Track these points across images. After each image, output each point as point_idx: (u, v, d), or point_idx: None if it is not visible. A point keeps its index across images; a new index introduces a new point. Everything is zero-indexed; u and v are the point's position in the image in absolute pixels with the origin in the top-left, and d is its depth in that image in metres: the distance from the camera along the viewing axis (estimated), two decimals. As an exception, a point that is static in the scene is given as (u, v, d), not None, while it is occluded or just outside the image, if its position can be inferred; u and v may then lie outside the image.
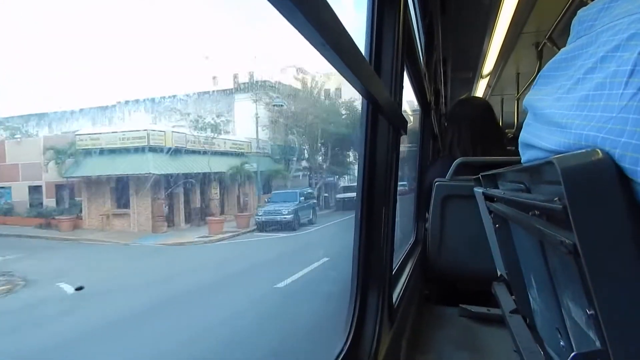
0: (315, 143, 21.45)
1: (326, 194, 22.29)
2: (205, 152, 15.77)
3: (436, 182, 2.17)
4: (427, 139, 2.97)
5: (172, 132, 14.77)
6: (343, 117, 21.78)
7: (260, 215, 16.09)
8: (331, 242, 13.37)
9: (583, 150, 0.47)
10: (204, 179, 15.94)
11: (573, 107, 0.55)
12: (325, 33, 0.47)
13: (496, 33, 3.11)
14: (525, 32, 3.19)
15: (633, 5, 0.50)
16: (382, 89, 0.93)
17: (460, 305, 1.98)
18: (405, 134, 1.34)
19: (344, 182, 23.43)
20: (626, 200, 0.43)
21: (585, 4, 0.63)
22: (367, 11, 1.15)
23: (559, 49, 0.68)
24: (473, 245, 1.68)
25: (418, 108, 2.82)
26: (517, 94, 4.58)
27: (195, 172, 15.27)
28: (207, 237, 14.13)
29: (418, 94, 2.47)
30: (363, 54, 0.88)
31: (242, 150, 17.99)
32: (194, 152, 15.40)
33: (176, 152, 14.63)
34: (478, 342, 1.73)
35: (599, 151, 0.45)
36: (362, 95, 0.91)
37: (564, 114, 0.57)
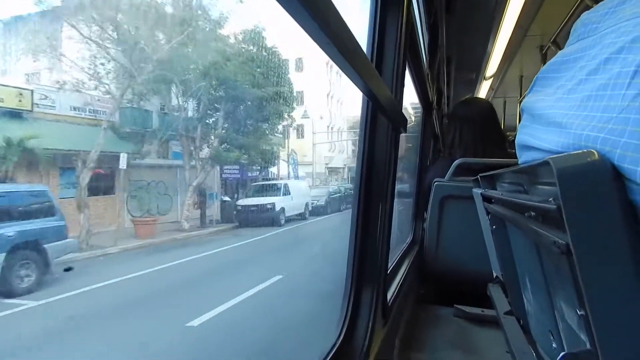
0: (207, 109, 12.37)
1: (227, 198, 14.10)
2: None
3: (435, 182, 2.17)
4: (427, 138, 2.97)
5: None
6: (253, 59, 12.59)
7: None
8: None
9: (579, 151, 0.47)
10: None
11: (574, 107, 0.54)
12: (331, 33, 0.49)
13: (501, 34, 3.10)
14: (530, 35, 3.17)
15: (639, 8, 0.50)
16: (383, 87, 0.93)
17: (455, 305, 1.99)
18: (405, 132, 1.34)
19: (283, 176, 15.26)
20: (620, 201, 0.43)
21: (591, 8, 0.63)
22: (370, 8, 1.15)
23: None
24: (470, 246, 1.69)
25: (418, 105, 2.81)
26: (520, 96, 4.57)
27: None
28: None
29: (420, 93, 2.47)
30: (365, 51, 0.88)
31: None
32: None
33: None
34: (471, 343, 1.74)
35: (595, 152, 0.45)
36: (363, 92, 0.91)
37: (564, 114, 0.57)
